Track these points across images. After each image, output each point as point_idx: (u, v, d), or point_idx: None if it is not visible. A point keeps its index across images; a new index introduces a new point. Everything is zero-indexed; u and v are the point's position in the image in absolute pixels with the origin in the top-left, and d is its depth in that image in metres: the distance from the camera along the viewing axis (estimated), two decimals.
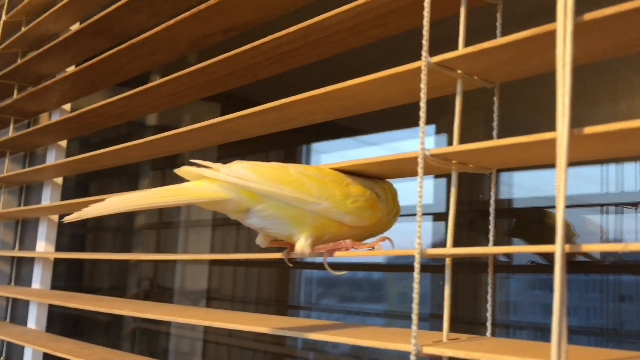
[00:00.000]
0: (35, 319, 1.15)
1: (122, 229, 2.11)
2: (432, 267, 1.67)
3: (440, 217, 1.88)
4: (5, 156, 1.26)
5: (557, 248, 0.37)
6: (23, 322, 1.19)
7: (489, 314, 0.52)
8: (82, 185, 1.78)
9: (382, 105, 0.57)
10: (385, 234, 0.56)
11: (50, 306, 1.18)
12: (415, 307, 0.45)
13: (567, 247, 0.37)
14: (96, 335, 1.94)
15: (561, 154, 0.37)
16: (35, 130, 1.05)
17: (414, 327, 0.44)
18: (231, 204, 0.50)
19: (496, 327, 1.67)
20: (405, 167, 0.51)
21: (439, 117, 1.83)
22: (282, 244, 0.55)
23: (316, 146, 2.48)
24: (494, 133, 0.52)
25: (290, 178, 0.50)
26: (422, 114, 0.47)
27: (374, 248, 0.53)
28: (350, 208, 0.51)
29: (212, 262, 2.20)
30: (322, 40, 0.62)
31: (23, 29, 1.13)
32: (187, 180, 0.51)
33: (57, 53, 1.03)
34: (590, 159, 0.44)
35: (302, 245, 0.51)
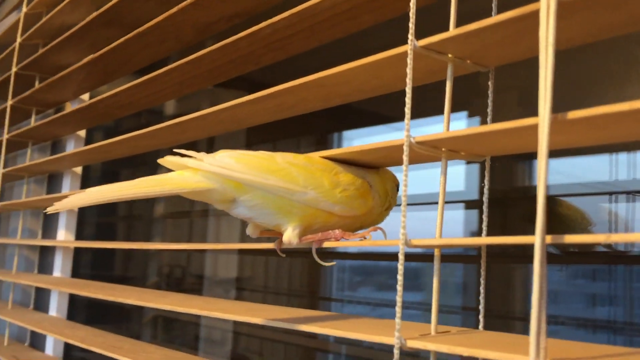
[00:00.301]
0: (56, 307, 1.17)
1: (151, 217, 2.13)
2: (472, 257, 1.64)
3: (473, 204, 1.84)
4: (27, 147, 1.29)
5: (537, 239, 0.35)
6: (46, 309, 1.21)
7: (481, 306, 0.50)
8: (109, 174, 1.80)
9: (376, 92, 0.56)
10: (383, 225, 0.55)
11: (73, 294, 1.20)
12: (399, 299, 0.43)
13: (549, 239, 0.36)
14: (119, 322, 1.97)
15: (542, 140, 0.35)
16: (52, 120, 1.07)
17: (397, 319, 0.43)
18: (216, 194, 0.49)
19: (525, 320, 1.63)
20: (394, 155, 0.50)
21: (472, 99, 1.78)
22: (273, 234, 0.54)
23: (347, 133, 2.46)
24: (489, 119, 0.50)
25: (276, 167, 0.49)
26: (408, 99, 0.45)
27: (365, 238, 0.51)
28: (339, 197, 0.50)
29: (242, 251, 2.20)
30: (318, 26, 0.60)
31: (43, 20, 1.14)
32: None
33: (74, 44, 1.04)
34: (579, 145, 0.42)
35: (289, 235, 0.50)
